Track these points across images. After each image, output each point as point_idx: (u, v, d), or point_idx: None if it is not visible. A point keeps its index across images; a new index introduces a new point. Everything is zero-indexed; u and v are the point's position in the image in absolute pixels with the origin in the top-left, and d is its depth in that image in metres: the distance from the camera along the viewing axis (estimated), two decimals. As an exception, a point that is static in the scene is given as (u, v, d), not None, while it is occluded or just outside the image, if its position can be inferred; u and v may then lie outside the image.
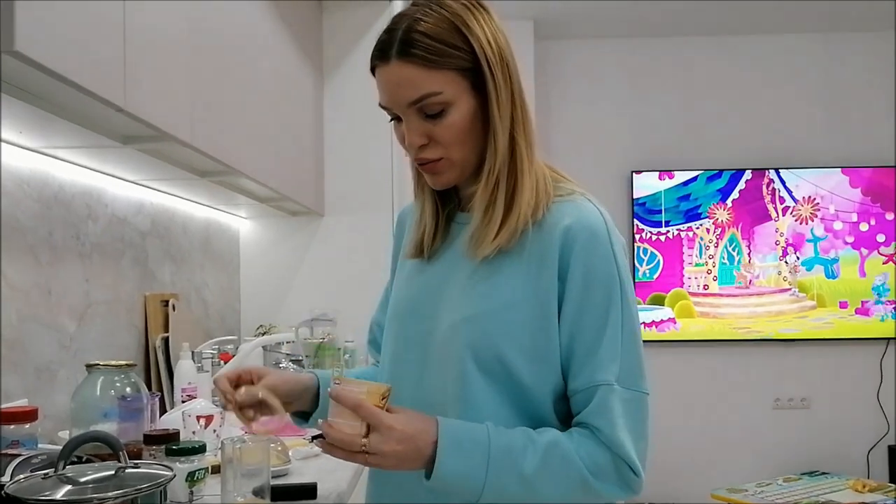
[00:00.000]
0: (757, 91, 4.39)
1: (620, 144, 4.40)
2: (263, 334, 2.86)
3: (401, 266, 1.18)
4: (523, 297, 0.98)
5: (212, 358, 2.23)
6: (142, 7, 1.36)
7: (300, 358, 2.78)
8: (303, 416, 1.16)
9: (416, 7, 0.99)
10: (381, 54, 0.98)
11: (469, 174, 1.04)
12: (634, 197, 4.34)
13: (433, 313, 1.05)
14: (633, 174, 4.34)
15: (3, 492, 0.97)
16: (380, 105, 1.02)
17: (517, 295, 0.99)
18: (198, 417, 1.62)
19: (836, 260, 4.33)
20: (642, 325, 4.72)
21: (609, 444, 0.95)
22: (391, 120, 1.04)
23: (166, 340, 2.19)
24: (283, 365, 2.84)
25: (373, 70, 1.01)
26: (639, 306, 4.22)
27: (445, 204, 1.11)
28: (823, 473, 4.06)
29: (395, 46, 0.97)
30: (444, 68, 0.96)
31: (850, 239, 4.32)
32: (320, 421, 0.94)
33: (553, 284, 0.98)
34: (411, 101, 0.98)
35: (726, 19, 4.15)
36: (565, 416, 1.01)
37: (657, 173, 4.35)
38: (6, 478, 1.13)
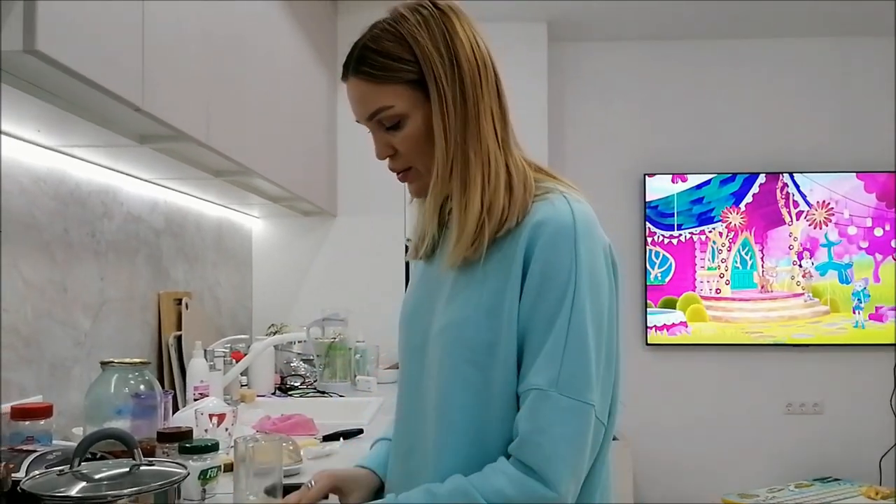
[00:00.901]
0: (771, 95, 4.37)
1: (633, 147, 4.39)
2: (275, 333, 2.87)
3: (413, 271, 1.20)
4: (495, 303, 0.96)
5: (224, 356, 2.24)
6: (160, 8, 1.37)
7: (311, 357, 2.79)
8: None
9: (378, 21, 1.01)
10: (343, 72, 1.03)
11: None
12: (647, 200, 4.33)
13: (428, 320, 1.05)
14: (646, 177, 4.33)
15: (18, 488, 0.98)
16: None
17: (489, 301, 0.97)
18: (210, 416, 1.63)
19: (850, 265, 4.30)
20: (654, 329, 4.64)
21: (524, 458, 0.91)
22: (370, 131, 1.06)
23: (179, 338, 2.20)
24: (294, 364, 2.85)
25: None
26: (650, 309, 4.24)
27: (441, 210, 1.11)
28: (836, 480, 4.03)
29: (351, 64, 1.01)
30: (392, 82, 0.99)
31: (865, 244, 4.29)
32: None
33: (516, 288, 0.96)
34: (367, 116, 1.02)
35: (740, 23, 4.14)
36: None
37: (670, 176, 4.33)
38: (21, 473, 1.14)
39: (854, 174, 4.28)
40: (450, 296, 1.01)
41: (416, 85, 0.99)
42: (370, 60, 0.99)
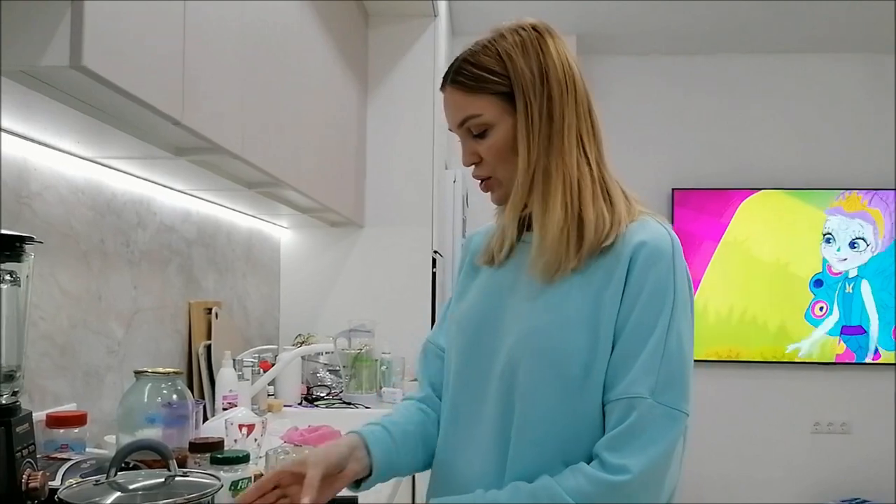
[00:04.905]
0: (802, 110, 4.34)
1: (661, 162, 4.37)
2: (301, 344, 2.88)
3: (467, 278, 1.21)
4: (588, 315, 1.01)
5: (252, 366, 2.25)
6: (200, 26, 1.40)
7: (337, 368, 2.80)
8: (356, 484, 1.11)
9: (480, 39, 1.09)
10: (441, 82, 1.10)
11: None
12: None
13: (499, 324, 1.09)
14: (674, 192, 4.31)
15: (56, 497, 0.99)
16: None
17: (582, 312, 1.01)
18: (240, 426, 1.64)
19: (880, 283, 4.24)
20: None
21: (609, 457, 0.95)
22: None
23: (208, 347, 2.21)
24: (321, 374, 2.86)
25: None
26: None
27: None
28: (864, 501, 3.96)
29: (449, 74, 1.09)
30: (483, 93, 1.05)
31: None
32: None
33: (616, 302, 1.00)
34: (458, 123, 1.09)
35: (771, 37, 4.11)
36: None
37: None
38: (57, 482, 1.15)
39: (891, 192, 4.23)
40: (531, 303, 1.05)
41: (506, 98, 1.05)
42: (465, 72, 1.06)
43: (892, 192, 4.21)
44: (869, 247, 4.19)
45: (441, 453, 1.14)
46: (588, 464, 0.97)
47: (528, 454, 1.01)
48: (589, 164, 1.06)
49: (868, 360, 4.16)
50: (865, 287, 4.17)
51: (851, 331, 4.17)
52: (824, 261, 4.21)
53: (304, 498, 0.97)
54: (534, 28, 1.07)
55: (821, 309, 4.19)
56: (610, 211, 1.04)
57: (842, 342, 4.18)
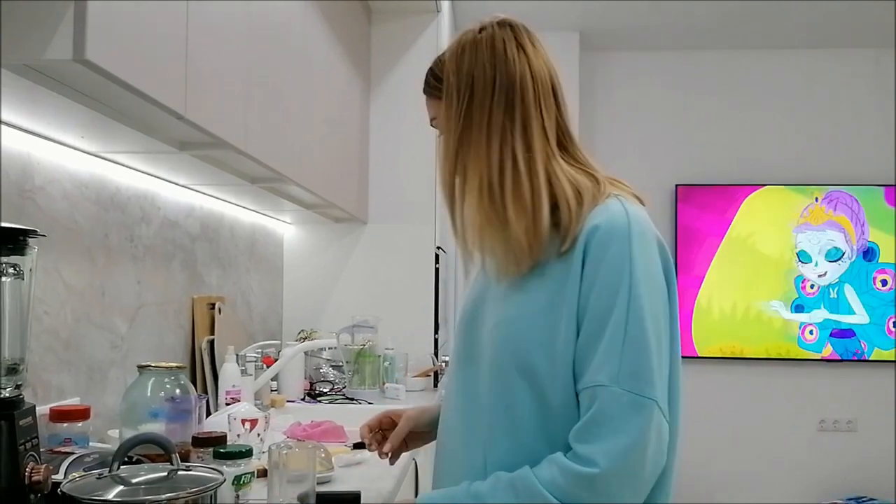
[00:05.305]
0: (805, 106, 4.32)
1: (664, 158, 4.36)
2: (304, 339, 2.89)
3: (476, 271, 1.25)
4: (548, 307, 1.00)
5: (255, 361, 2.25)
6: (204, 20, 1.40)
7: (340, 364, 2.80)
8: None
9: None
10: None
11: None
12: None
13: (481, 317, 1.11)
14: (678, 188, 4.30)
15: (59, 490, 0.99)
16: None
17: (540, 304, 1.01)
18: (243, 421, 1.64)
19: (883, 282, 4.22)
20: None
21: (578, 448, 0.94)
22: None
23: (212, 343, 2.22)
24: (324, 370, 2.86)
25: None
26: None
27: None
28: (871, 499, 3.96)
29: None
30: (431, 98, 1.15)
31: None
32: None
33: (575, 292, 0.99)
34: (430, 123, 1.17)
35: (775, 33, 4.10)
36: None
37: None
38: (60, 476, 1.15)
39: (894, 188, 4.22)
40: (499, 297, 1.07)
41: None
42: (426, 77, 1.15)
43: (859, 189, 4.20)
44: (845, 254, 4.18)
45: (440, 442, 1.16)
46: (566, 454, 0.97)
47: (505, 444, 1.02)
48: (515, 161, 1.02)
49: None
50: (849, 290, 4.16)
51: (841, 334, 4.17)
52: (798, 279, 4.19)
53: (387, 445, 1.22)
54: (481, 29, 1.09)
55: (810, 333, 4.19)
56: (561, 212, 1.01)
57: (829, 345, 4.18)
